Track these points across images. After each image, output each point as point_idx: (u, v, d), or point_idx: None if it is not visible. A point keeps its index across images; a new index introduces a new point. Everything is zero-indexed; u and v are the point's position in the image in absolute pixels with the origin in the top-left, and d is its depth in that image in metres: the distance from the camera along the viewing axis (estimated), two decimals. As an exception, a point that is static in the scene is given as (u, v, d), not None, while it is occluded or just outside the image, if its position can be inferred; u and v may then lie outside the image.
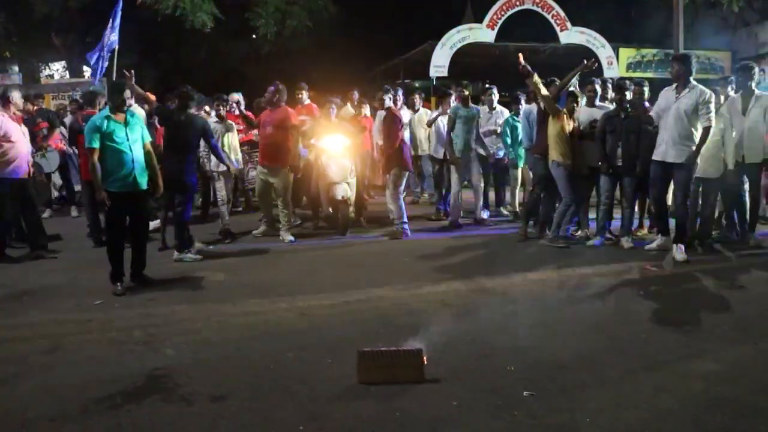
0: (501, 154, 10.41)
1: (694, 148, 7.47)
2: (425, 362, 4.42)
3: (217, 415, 3.98)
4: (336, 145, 9.40)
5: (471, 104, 9.94)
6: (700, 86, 7.57)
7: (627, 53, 17.73)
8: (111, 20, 11.44)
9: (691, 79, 7.58)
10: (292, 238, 9.11)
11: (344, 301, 6.36)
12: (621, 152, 8.07)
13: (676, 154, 7.54)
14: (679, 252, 7.58)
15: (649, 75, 16.75)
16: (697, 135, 7.47)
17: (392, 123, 9.34)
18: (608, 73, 16.05)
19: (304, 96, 10.47)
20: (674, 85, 7.72)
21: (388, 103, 9.43)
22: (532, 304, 6.19)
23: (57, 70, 23.02)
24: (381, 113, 9.95)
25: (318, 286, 6.88)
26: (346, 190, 9.20)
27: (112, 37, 11.36)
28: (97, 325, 5.75)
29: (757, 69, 8.22)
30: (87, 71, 21.65)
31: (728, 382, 4.34)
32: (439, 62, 16.01)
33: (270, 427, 3.82)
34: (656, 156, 7.76)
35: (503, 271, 7.30)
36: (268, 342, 5.25)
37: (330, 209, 9.65)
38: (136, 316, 5.99)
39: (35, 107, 12.16)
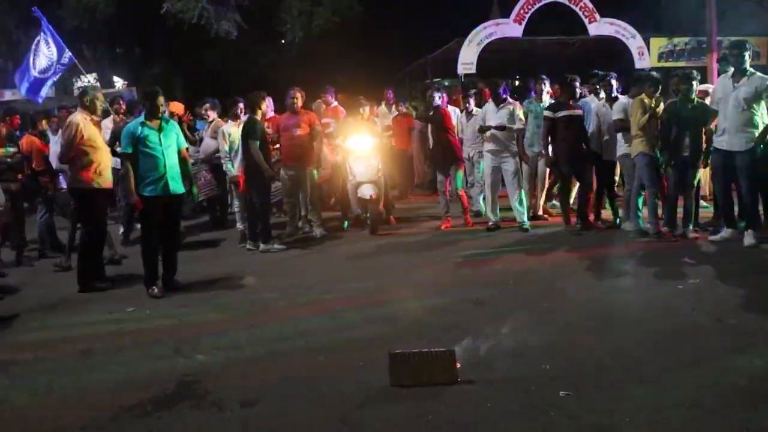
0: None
1: (756, 134, 7.35)
2: (458, 363, 4.34)
3: (247, 421, 3.94)
4: (362, 144, 9.37)
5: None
6: (759, 73, 7.44)
7: (658, 43, 17.37)
8: (44, 39, 10.79)
9: (748, 65, 7.41)
10: (324, 232, 9.42)
11: (375, 301, 6.30)
12: (688, 142, 7.89)
13: (739, 142, 7.43)
14: (748, 236, 7.50)
15: (682, 64, 16.42)
16: (759, 120, 7.36)
17: (444, 120, 9.45)
18: (639, 64, 15.77)
19: (331, 98, 10.49)
20: (730, 73, 7.59)
21: (437, 101, 9.52)
22: (567, 301, 6.04)
23: (88, 81, 23.31)
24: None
25: (348, 287, 6.84)
26: (374, 189, 9.14)
27: (65, 57, 10.79)
28: (128, 332, 5.77)
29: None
30: (117, 81, 21.98)
31: (774, 379, 4.18)
32: (467, 59, 15.84)
33: (300, 432, 3.77)
34: (718, 145, 7.65)
35: (537, 268, 7.19)
36: (298, 345, 5.20)
37: (359, 209, 9.61)
38: (166, 322, 6.00)
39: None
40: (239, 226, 9.36)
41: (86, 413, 4.18)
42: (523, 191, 9.13)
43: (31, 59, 10.47)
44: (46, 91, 10.83)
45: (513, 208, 9.18)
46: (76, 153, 7.16)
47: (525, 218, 9.14)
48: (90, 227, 7.37)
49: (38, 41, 10.39)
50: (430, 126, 9.95)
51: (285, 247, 8.76)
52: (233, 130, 9.17)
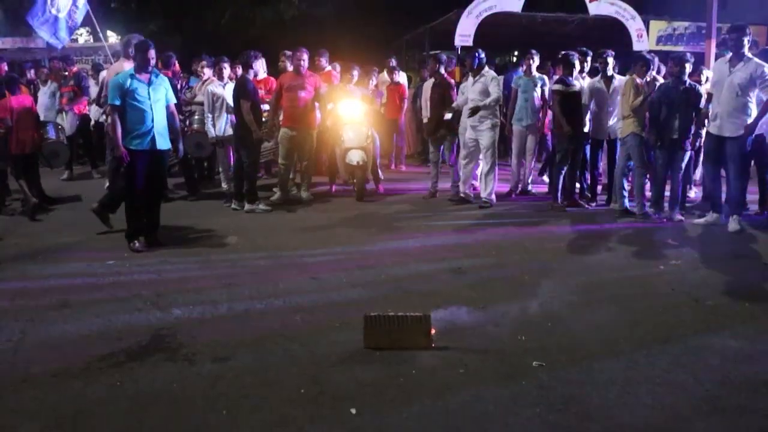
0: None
1: (749, 120, 7.32)
2: (433, 329, 4.33)
3: (218, 376, 3.93)
4: (353, 111, 9.29)
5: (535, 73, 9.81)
6: (756, 59, 7.38)
7: (657, 26, 17.22)
8: None
9: (746, 51, 7.35)
10: (310, 196, 9.41)
11: (356, 266, 6.28)
12: (678, 125, 7.86)
13: (731, 128, 7.40)
14: (732, 221, 7.51)
15: (680, 48, 16.31)
16: (752, 107, 7.32)
17: (448, 89, 9.29)
18: (637, 46, 15.64)
19: (324, 62, 10.39)
20: (727, 57, 7.54)
21: (443, 70, 9.41)
22: (547, 274, 6.04)
23: (81, 34, 23.03)
24: (429, 81, 9.85)
25: (331, 251, 6.83)
26: (361, 156, 9.09)
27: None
28: (106, 285, 5.74)
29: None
30: (111, 35, 21.69)
31: (746, 360, 4.20)
32: (465, 31, 15.65)
33: (270, 390, 3.76)
34: (711, 129, 7.63)
35: (522, 241, 7.19)
36: (276, 305, 5.19)
37: (346, 175, 9.56)
38: (145, 276, 5.97)
39: (73, 70, 12.18)
40: (224, 186, 9.30)
41: (58, 362, 4.16)
42: (493, 166, 8.94)
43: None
44: (66, 33, 10.62)
45: (479, 180, 9.13)
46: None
47: (488, 194, 8.97)
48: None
49: None
50: (425, 96, 9.84)
51: (270, 209, 8.69)
52: (217, 90, 9.07)
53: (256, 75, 9.02)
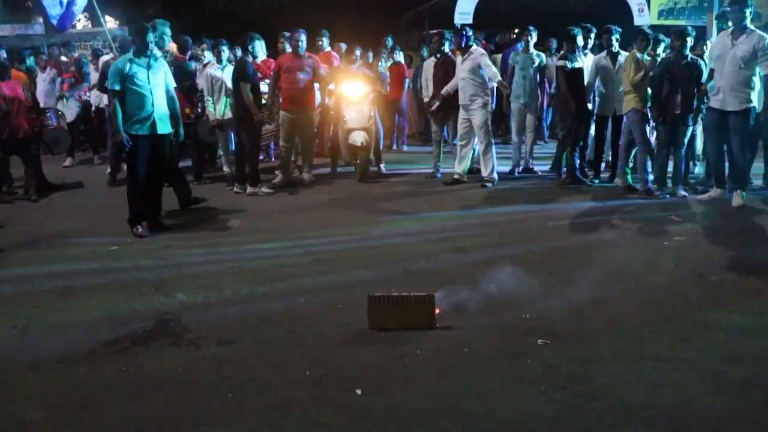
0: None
1: (753, 95, 7.27)
2: (437, 309, 4.33)
3: (222, 360, 3.94)
4: (355, 91, 9.24)
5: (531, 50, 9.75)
6: (759, 31, 7.30)
7: (659, 0, 17.12)
8: None
9: (748, 23, 7.27)
10: (312, 177, 9.40)
11: (359, 247, 6.29)
12: (680, 100, 7.80)
13: (733, 102, 7.34)
14: (736, 197, 7.47)
15: (682, 22, 16.17)
16: (756, 81, 7.27)
17: (453, 67, 9.13)
18: (638, 21, 15.51)
19: (325, 43, 10.32)
20: (730, 30, 7.46)
21: (447, 48, 9.25)
22: (551, 252, 6.03)
23: (79, 20, 22.91)
24: (430, 60, 9.71)
25: (333, 232, 6.83)
26: (364, 137, 9.05)
27: None
28: (110, 270, 5.74)
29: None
30: (110, 20, 21.58)
31: (751, 335, 4.18)
32: (464, 9, 15.55)
33: (274, 372, 3.76)
34: (713, 104, 7.56)
35: (525, 219, 7.17)
36: (280, 287, 5.19)
37: (348, 156, 9.53)
38: (149, 261, 5.97)
39: (73, 57, 12.15)
40: (225, 169, 9.29)
41: (64, 348, 4.17)
42: (489, 145, 8.87)
43: None
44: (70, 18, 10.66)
45: (479, 160, 9.08)
46: None
47: (489, 172, 8.91)
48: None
49: None
50: (425, 75, 9.76)
51: (272, 191, 8.68)
52: (216, 73, 9.02)
53: (254, 57, 8.95)
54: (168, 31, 7.60)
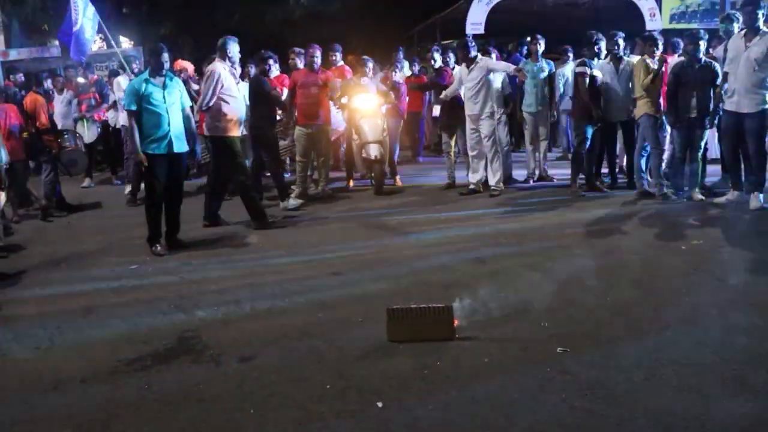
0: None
1: (767, 96, 7.25)
2: (456, 320, 4.34)
3: (244, 376, 3.96)
4: (368, 104, 9.29)
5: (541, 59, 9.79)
6: None
7: (670, 3, 17.02)
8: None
9: (761, 25, 7.25)
10: (329, 191, 9.51)
11: (376, 259, 6.31)
12: (695, 103, 7.79)
13: (749, 104, 7.31)
14: (753, 199, 7.42)
15: (694, 25, 16.12)
16: None
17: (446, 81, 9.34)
18: (650, 26, 15.49)
19: (338, 57, 10.39)
20: (743, 32, 7.43)
21: (438, 63, 9.58)
22: (569, 260, 6.02)
23: (94, 41, 23.17)
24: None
25: (351, 246, 6.85)
26: (379, 150, 9.09)
27: (89, 10, 10.69)
28: (130, 289, 5.80)
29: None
30: (124, 41, 21.83)
31: (773, 337, 4.16)
32: (476, 19, 15.61)
33: (297, 387, 3.78)
34: (728, 106, 7.54)
35: (541, 228, 7.17)
36: (298, 302, 5.22)
37: (364, 169, 9.57)
38: (168, 279, 6.02)
39: (93, 78, 12.31)
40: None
41: (86, 367, 4.21)
42: (497, 154, 8.87)
43: (73, 17, 10.39)
44: (87, 47, 10.82)
45: (487, 170, 9.05)
46: (215, 101, 7.47)
47: (496, 182, 8.91)
48: (236, 169, 7.71)
49: None
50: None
51: (302, 201, 8.76)
52: None
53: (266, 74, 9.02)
54: (237, 47, 7.82)
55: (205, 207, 7.92)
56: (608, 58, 8.75)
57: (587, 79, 8.48)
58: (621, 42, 8.69)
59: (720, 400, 3.43)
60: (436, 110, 9.32)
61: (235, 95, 7.63)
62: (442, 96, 9.11)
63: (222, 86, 7.47)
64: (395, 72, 11.91)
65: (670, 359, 3.89)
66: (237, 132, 7.72)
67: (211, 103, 7.48)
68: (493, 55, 10.34)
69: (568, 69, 9.79)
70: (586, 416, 3.33)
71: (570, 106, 9.52)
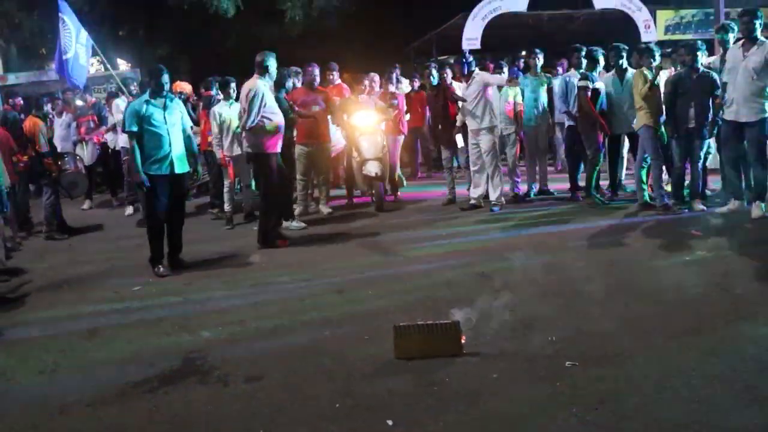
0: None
1: (767, 105, 7.27)
2: (463, 336, 4.32)
3: (252, 396, 3.94)
4: (368, 121, 9.31)
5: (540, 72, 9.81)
6: None
7: (665, 15, 17.15)
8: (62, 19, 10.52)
9: (759, 34, 7.29)
10: (330, 210, 9.46)
11: (380, 276, 6.29)
12: (694, 114, 7.82)
13: (748, 113, 7.34)
14: (755, 208, 7.42)
15: (689, 36, 16.22)
16: None
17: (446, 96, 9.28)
18: (646, 37, 15.55)
19: (335, 76, 10.42)
20: (740, 42, 7.48)
21: (436, 80, 9.44)
22: (573, 272, 6.02)
23: (92, 64, 23.23)
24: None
25: (353, 263, 6.83)
26: (379, 167, 9.09)
27: (81, 35, 10.75)
28: (134, 310, 5.79)
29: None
30: (121, 63, 21.88)
31: (782, 346, 4.15)
32: (472, 35, 15.66)
33: (304, 406, 3.76)
34: (727, 116, 7.57)
35: (544, 241, 7.16)
36: (304, 320, 5.20)
37: (364, 186, 9.57)
38: (172, 300, 6.01)
39: (92, 101, 12.34)
40: (227, 208, 9.14)
41: (92, 390, 4.19)
42: (497, 169, 8.84)
43: (63, 44, 10.44)
44: (84, 73, 10.88)
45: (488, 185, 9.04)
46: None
47: (497, 197, 8.88)
48: (273, 189, 7.65)
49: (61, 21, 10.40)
50: (433, 103, 9.83)
51: (305, 226, 8.61)
52: (224, 110, 9.03)
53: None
54: (275, 62, 7.76)
55: (260, 229, 7.74)
56: (613, 70, 8.78)
57: (589, 93, 8.50)
58: (624, 54, 8.73)
59: (731, 411, 3.41)
60: (460, 140, 9.31)
61: (276, 112, 7.58)
62: (458, 124, 9.14)
63: (265, 105, 7.42)
64: (390, 85, 11.87)
65: (680, 371, 3.88)
66: (278, 149, 7.69)
67: (255, 123, 7.42)
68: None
69: (557, 83, 9.88)
70: (598, 430, 3.31)
71: (564, 119, 9.55)
